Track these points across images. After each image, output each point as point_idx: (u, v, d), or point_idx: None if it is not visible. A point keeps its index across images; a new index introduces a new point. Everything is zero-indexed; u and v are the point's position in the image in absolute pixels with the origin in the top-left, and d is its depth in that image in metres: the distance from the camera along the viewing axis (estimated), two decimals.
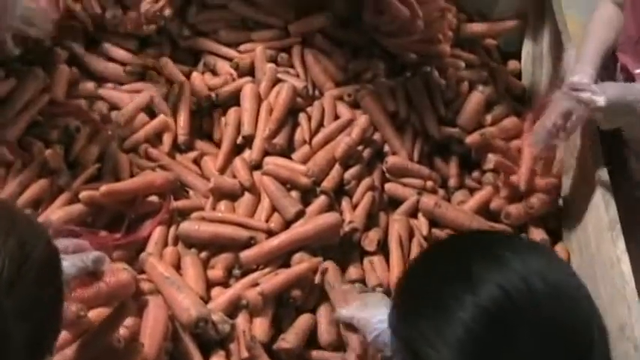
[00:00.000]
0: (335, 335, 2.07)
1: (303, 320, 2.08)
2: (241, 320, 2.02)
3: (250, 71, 2.67)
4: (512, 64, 2.95)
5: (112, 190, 2.18)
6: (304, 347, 2.06)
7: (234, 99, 2.58)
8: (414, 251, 2.26)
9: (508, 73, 2.87)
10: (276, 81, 2.60)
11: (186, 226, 2.19)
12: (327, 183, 2.34)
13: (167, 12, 2.66)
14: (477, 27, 2.94)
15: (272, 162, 2.38)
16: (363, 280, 2.20)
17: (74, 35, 2.63)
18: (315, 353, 2.06)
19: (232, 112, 2.53)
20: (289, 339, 2.02)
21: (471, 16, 2.99)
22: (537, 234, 2.36)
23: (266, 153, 2.43)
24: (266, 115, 2.48)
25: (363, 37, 2.82)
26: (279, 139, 2.44)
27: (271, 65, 2.63)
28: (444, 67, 2.73)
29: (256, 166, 2.40)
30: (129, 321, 1.84)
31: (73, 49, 2.60)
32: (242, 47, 2.73)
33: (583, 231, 2.29)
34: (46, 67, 2.47)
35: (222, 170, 2.40)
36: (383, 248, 2.28)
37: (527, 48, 2.98)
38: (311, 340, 2.08)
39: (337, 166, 2.38)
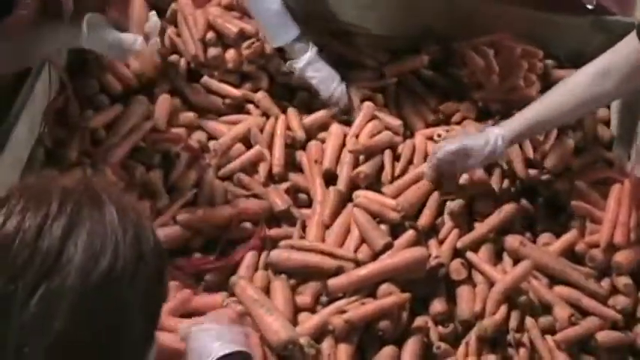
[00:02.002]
0: None
1: (388, 352, 2.13)
2: (327, 345, 2.07)
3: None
4: (601, 111, 2.96)
5: (208, 214, 2.27)
6: None
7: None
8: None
9: (597, 121, 2.88)
10: (372, 118, 2.68)
11: (277, 254, 2.26)
12: (422, 220, 2.40)
13: (267, 50, 2.76)
14: (565, 73, 2.96)
15: (363, 195, 2.44)
16: (447, 315, 2.25)
17: (177, 67, 2.75)
18: None
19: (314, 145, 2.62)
20: None
21: (560, 61, 3.03)
22: (621, 280, 2.35)
23: (353, 186, 2.50)
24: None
25: (454, 81, 2.89)
26: (366, 168, 2.51)
27: (368, 103, 2.71)
28: None
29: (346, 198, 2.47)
30: None
31: (175, 81, 2.72)
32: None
33: None
34: (150, 97, 2.59)
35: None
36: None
37: None
38: None
39: (432, 204, 2.45)
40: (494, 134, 2.37)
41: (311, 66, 2.68)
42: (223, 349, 1.73)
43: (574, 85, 2.39)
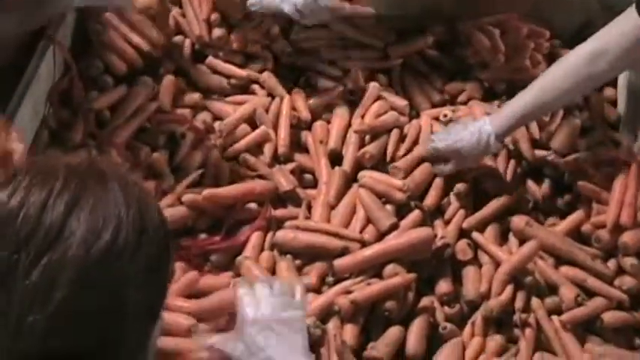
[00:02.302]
0: (423, 348, 2.13)
1: (394, 332, 2.13)
2: (332, 326, 2.06)
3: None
4: (608, 90, 2.95)
5: (213, 194, 2.27)
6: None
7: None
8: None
9: (604, 100, 2.87)
10: (378, 98, 2.67)
11: (282, 234, 2.25)
12: (428, 201, 2.42)
13: (273, 31, 2.76)
14: None
15: (368, 175, 2.44)
16: (453, 295, 2.25)
17: (181, 48, 2.74)
18: None
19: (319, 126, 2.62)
20: (379, 348, 2.07)
21: (566, 40, 3.02)
22: (627, 260, 2.35)
23: (359, 166, 2.50)
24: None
25: (459, 61, 2.88)
26: (372, 149, 2.51)
27: (374, 83, 2.71)
28: None
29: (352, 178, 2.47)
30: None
31: (179, 61, 2.71)
32: (341, 65, 2.81)
33: None
34: (155, 78, 2.58)
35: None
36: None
37: (622, 75, 2.98)
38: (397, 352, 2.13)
39: (438, 185, 2.46)
40: (486, 133, 2.37)
41: None
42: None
43: (568, 67, 2.36)
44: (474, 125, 2.42)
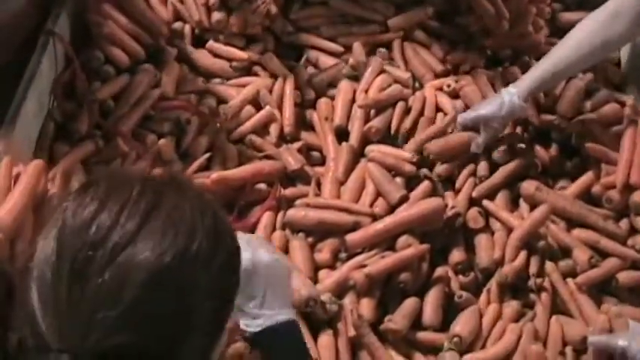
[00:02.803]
0: (439, 318, 2.14)
1: (410, 303, 2.13)
2: (348, 300, 2.08)
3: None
4: None
5: (222, 177, 2.27)
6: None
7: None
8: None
9: (607, 61, 2.86)
10: (380, 72, 2.67)
11: (293, 213, 2.26)
12: (441, 171, 2.43)
13: (272, 11, 2.75)
14: (572, 16, 2.95)
15: (377, 149, 2.45)
16: (467, 264, 2.26)
17: (182, 34, 2.74)
18: (420, 334, 2.12)
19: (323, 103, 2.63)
20: (396, 320, 2.08)
21: (567, 4, 3.01)
22: (639, 219, 2.35)
23: (366, 141, 2.51)
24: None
25: (460, 30, 2.87)
26: (377, 123, 2.52)
27: (376, 57, 2.72)
28: (541, 56, 2.74)
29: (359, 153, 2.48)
30: None
31: (181, 47, 2.70)
32: (342, 41, 2.81)
33: None
34: (157, 64, 2.58)
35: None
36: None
37: None
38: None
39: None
40: (509, 94, 2.38)
41: None
42: None
43: (584, 33, 2.37)
44: (494, 95, 2.46)
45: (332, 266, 2.20)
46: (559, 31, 2.92)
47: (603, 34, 2.34)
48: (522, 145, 2.49)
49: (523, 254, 2.25)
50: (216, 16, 2.72)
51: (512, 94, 2.37)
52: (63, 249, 1.09)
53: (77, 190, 1.17)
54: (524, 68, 2.68)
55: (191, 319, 1.13)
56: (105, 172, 1.24)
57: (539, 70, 2.42)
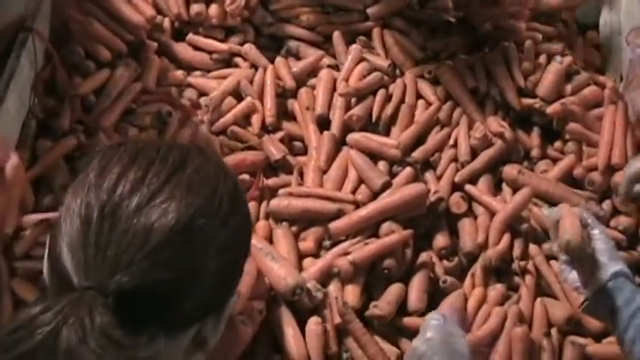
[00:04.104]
0: (424, 303, 2.15)
1: (395, 289, 2.14)
2: (333, 288, 2.09)
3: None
4: (590, 34, 2.96)
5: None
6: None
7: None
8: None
9: (587, 44, 2.87)
10: (361, 60, 2.68)
11: (276, 202, 2.27)
12: (418, 155, 2.42)
13: (252, 2, 2.76)
14: (553, 1, 2.96)
15: (360, 134, 2.46)
16: (451, 249, 2.26)
17: (161, 27, 2.74)
18: (406, 320, 2.12)
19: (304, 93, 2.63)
20: (382, 306, 2.08)
21: None
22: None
23: (347, 129, 2.51)
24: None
25: (440, 16, 2.88)
26: (358, 111, 2.52)
27: (356, 46, 2.71)
28: (521, 40, 2.75)
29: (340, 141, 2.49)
30: None
31: (160, 41, 2.70)
32: (322, 30, 2.82)
33: None
34: (137, 59, 2.58)
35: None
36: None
37: (604, 18, 2.98)
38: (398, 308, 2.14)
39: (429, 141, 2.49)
40: None
41: None
42: None
43: None
44: None
45: (316, 254, 2.20)
46: (541, 16, 2.94)
47: None
48: (503, 130, 2.49)
49: (506, 237, 2.26)
50: (195, 8, 2.74)
51: None
52: (91, 200, 1.13)
53: (103, 150, 1.21)
54: (505, 54, 2.70)
55: (206, 269, 1.16)
56: (130, 139, 1.28)
57: None
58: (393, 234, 2.18)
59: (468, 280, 2.23)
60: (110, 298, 1.07)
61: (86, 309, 1.05)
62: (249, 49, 2.73)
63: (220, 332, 1.28)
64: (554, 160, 2.52)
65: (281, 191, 2.31)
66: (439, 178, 2.42)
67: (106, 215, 1.11)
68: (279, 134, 2.53)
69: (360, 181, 2.34)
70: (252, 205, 2.28)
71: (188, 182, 1.16)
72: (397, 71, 2.73)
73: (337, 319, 2.03)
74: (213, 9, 2.75)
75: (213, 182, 1.19)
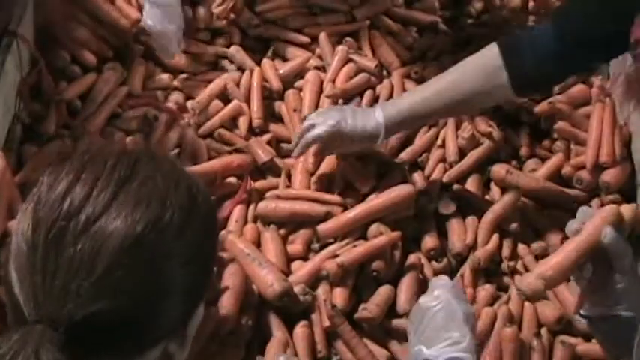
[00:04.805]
0: (414, 305, 2.13)
1: (384, 291, 2.13)
2: (322, 291, 2.08)
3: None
4: None
5: (191, 172, 2.25)
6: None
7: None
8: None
9: None
10: (347, 62, 2.67)
11: (264, 205, 2.26)
12: (405, 156, 2.43)
13: (238, 4, 2.75)
14: None
15: None
16: (440, 250, 2.26)
17: (147, 31, 2.72)
18: (395, 322, 2.11)
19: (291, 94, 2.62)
20: (371, 309, 2.07)
21: None
22: (610, 198, 2.35)
23: None
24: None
25: (427, 15, 2.88)
26: None
27: (343, 47, 2.71)
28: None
29: None
30: None
31: (146, 44, 2.68)
32: (309, 32, 2.81)
33: None
34: (123, 62, 2.58)
35: None
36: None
37: None
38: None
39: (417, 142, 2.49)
40: (376, 121, 2.22)
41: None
42: None
43: (470, 74, 2.22)
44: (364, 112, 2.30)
45: (305, 257, 2.19)
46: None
47: (489, 81, 2.18)
48: (491, 130, 2.48)
49: (495, 238, 2.26)
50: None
51: (378, 125, 2.22)
52: (38, 221, 1.12)
53: (53, 164, 1.19)
54: None
55: (165, 286, 1.14)
56: (81, 147, 1.25)
57: (410, 101, 2.26)
58: (381, 236, 2.17)
59: (457, 281, 2.22)
60: (61, 331, 1.05)
61: (33, 346, 1.03)
62: (235, 51, 2.72)
63: (188, 347, 1.25)
64: (543, 159, 2.51)
65: (268, 194, 2.31)
66: (427, 178, 2.41)
67: (53, 239, 1.09)
68: (267, 136, 2.52)
69: (348, 183, 2.33)
70: (239, 209, 2.28)
71: (135, 197, 1.13)
72: (384, 72, 2.72)
73: (326, 322, 2.03)
74: (200, 11, 2.74)
75: (162, 194, 1.16)
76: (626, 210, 1.61)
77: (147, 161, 1.19)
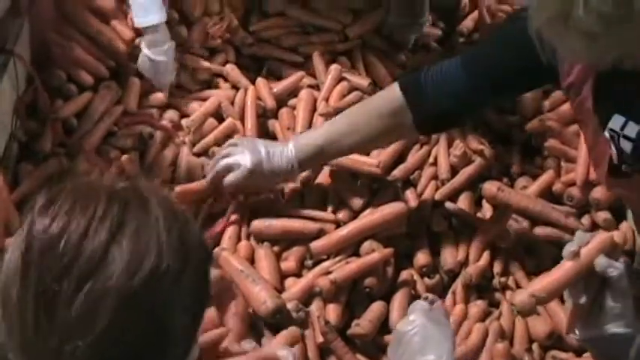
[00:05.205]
0: None
1: (377, 307, 2.14)
2: (315, 307, 2.10)
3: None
4: None
5: (186, 190, 2.29)
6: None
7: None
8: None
9: None
10: (340, 80, 2.70)
11: (258, 223, 2.28)
12: (398, 173, 2.44)
13: (233, 25, 2.78)
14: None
15: None
16: (432, 266, 2.28)
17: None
18: (388, 338, 2.11)
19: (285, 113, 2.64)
20: (363, 325, 2.08)
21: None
22: (600, 215, 2.38)
23: None
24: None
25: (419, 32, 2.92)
26: None
27: (336, 65, 2.73)
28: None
29: None
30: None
31: None
32: (302, 50, 2.85)
33: None
34: (119, 80, 2.61)
35: None
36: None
37: None
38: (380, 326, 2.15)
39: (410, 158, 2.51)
40: (289, 158, 2.24)
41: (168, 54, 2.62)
42: None
43: (378, 110, 2.22)
44: (274, 147, 2.28)
45: (298, 274, 2.21)
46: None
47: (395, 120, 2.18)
48: (482, 147, 2.51)
49: (487, 254, 2.29)
50: (177, 30, 2.74)
51: (291, 161, 2.23)
52: (28, 270, 1.08)
53: (42, 204, 1.14)
54: None
55: (167, 335, 1.12)
56: (70, 184, 1.19)
57: (317, 135, 2.28)
58: (373, 253, 2.19)
59: (449, 297, 2.24)
60: None
61: None
62: (230, 69, 2.75)
63: None
64: (534, 176, 2.53)
65: (262, 212, 2.32)
66: (420, 195, 2.43)
67: (44, 297, 1.06)
68: None
69: (341, 200, 2.35)
70: (233, 226, 2.29)
71: (129, 248, 1.09)
72: (377, 89, 2.73)
73: (319, 339, 2.04)
74: (195, 31, 2.77)
75: (156, 242, 1.11)
76: (620, 237, 1.65)
77: (137, 205, 1.14)
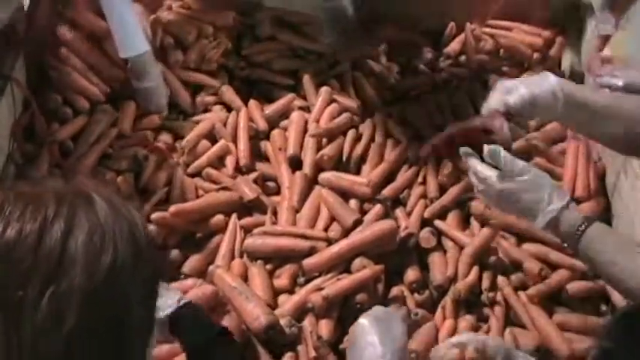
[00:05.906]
0: None
1: None
2: (308, 323, 2.13)
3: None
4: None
5: (180, 210, 2.33)
6: None
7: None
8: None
9: None
10: (331, 102, 2.75)
11: (251, 241, 2.32)
12: (387, 192, 2.48)
13: (226, 48, 2.84)
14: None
15: (331, 174, 2.53)
16: (422, 282, 2.31)
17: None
18: None
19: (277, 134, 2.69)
20: None
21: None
22: None
23: (318, 169, 2.57)
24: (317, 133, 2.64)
25: (408, 57, 2.98)
26: (329, 151, 2.58)
27: (326, 88, 2.79)
28: (487, 78, 2.84)
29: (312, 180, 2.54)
30: None
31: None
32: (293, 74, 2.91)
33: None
34: (114, 103, 2.66)
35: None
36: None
37: (567, 57, 3.07)
38: None
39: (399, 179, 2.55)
40: (559, 87, 1.84)
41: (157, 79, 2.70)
42: None
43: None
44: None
45: (291, 291, 2.25)
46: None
47: None
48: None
49: (475, 270, 2.32)
50: (174, 56, 2.81)
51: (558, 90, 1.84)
52: None
53: None
54: (470, 91, 2.78)
55: (130, 328, 1.14)
56: (13, 190, 1.17)
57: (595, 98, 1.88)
58: (364, 269, 2.23)
59: (438, 313, 2.27)
60: None
61: None
62: (223, 91, 2.81)
63: None
64: None
65: (255, 230, 2.36)
66: (409, 214, 2.47)
67: (7, 305, 1.06)
68: (253, 175, 2.58)
69: (332, 218, 2.40)
70: (227, 244, 2.34)
71: (85, 248, 1.09)
72: (368, 111, 2.80)
73: (312, 353, 2.07)
74: (190, 54, 2.84)
75: (110, 238, 1.12)
76: None
77: (84, 204, 1.13)
